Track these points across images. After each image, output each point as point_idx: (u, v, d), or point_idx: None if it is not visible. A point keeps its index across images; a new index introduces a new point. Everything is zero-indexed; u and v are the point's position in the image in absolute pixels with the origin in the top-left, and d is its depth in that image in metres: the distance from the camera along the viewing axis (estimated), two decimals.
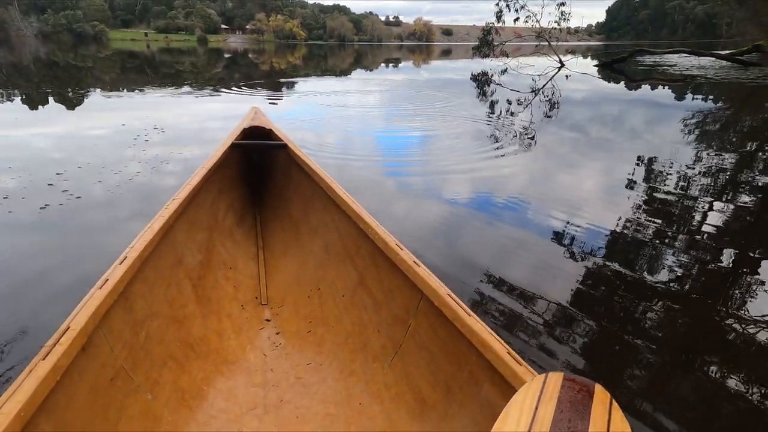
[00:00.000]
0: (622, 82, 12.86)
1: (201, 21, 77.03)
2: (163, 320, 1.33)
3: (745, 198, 3.39)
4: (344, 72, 17.91)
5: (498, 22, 17.51)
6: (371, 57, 33.48)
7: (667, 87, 11.26)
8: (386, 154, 4.62)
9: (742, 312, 1.96)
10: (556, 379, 0.84)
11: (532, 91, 10.10)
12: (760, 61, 14.90)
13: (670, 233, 2.74)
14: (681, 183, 3.69)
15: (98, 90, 9.00)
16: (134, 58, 23.57)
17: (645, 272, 2.27)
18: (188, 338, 1.38)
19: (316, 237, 1.94)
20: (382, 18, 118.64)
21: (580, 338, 1.75)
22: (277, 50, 41.96)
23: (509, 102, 8.35)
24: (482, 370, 1.04)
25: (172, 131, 5.18)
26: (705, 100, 9.31)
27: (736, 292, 2.13)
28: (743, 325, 1.86)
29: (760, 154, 4.92)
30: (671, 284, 2.16)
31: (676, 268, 2.30)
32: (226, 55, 29.96)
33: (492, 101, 8.73)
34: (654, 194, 3.41)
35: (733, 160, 4.54)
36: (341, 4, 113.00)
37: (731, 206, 3.23)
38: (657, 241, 2.61)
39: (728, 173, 4.07)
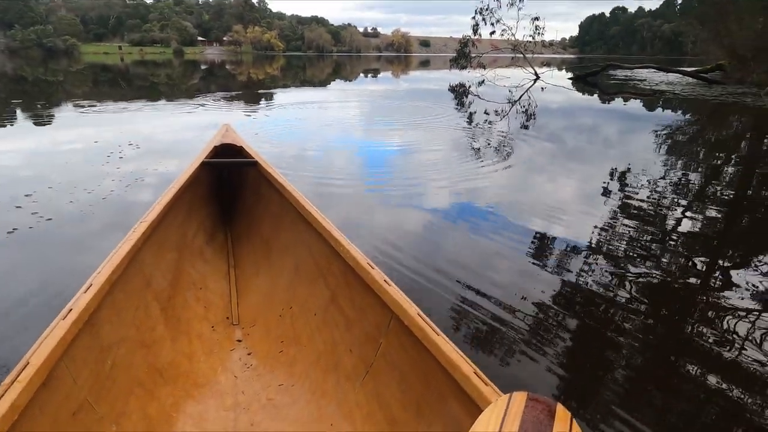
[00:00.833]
0: (596, 95, 13.23)
1: (177, 33, 76.22)
2: (131, 345, 1.29)
3: (712, 206, 3.52)
4: (323, 82, 17.96)
5: (474, 34, 17.89)
6: (350, 68, 33.69)
7: (638, 100, 11.64)
8: (367, 172, 4.63)
9: (711, 324, 2.02)
10: (520, 398, 0.85)
11: (509, 102, 10.31)
12: (723, 79, 15.59)
13: (642, 239, 2.81)
14: (653, 192, 3.81)
15: (70, 104, 8.79)
16: (107, 71, 23.16)
17: (618, 282, 2.33)
18: (157, 362, 1.35)
19: (288, 255, 1.92)
20: (361, 29, 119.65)
21: (545, 353, 1.78)
22: (255, 61, 41.84)
23: (487, 113, 8.49)
24: (450, 390, 1.04)
25: (147, 146, 5.09)
26: (675, 113, 9.66)
27: (704, 301, 2.20)
28: (709, 338, 1.92)
29: (726, 165, 5.12)
30: (641, 291, 2.22)
31: (646, 274, 2.36)
32: (203, 67, 29.71)
33: (471, 112, 8.87)
34: (629, 201, 3.51)
35: (701, 170, 4.71)
36: (319, 16, 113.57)
37: (700, 215, 3.34)
38: (631, 247, 2.68)
39: (696, 183, 4.22)
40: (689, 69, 18.13)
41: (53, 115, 7.34)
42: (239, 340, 1.63)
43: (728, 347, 1.83)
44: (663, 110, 10.04)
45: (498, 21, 17.65)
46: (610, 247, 2.77)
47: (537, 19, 17.89)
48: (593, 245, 2.78)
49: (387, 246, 2.66)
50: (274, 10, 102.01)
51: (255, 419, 1.29)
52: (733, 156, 5.65)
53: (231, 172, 2.43)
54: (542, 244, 2.79)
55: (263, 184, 2.26)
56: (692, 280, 2.39)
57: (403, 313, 1.22)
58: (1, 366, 1.58)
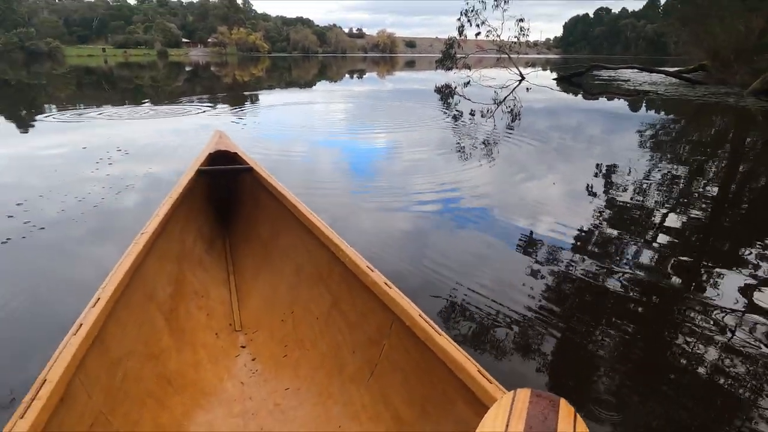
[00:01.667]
0: (581, 95, 13.43)
1: (161, 35, 75.35)
2: (139, 358, 1.31)
3: (696, 205, 3.62)
4: (308, 84, 17.93)
5: (460, 35, 18.05)
6: (336, 68, 33.66)
7: (623, 100, 11.84)
8: (354, 174, 4.66)
9: (697, 319, 2.09)
10: (524, 395, 0.89)
11: (495, 103, 10.42)
12: (705, 80, 15.93)
13: (625, 238, 2.89)
14: (638, 191, 3.90)
15: (54, 109, 8.66)
16: (91, 74, 22.82)
17: (606, 275, 2.39)
18: (165, 372, 1.37)
19: (287, 260, 1.94)
20: (346, 30, 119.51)
21: (540, 349, 1.83)
22: (241, 63, 41.56)
23: (473, 113, 8.58)
24: (455, 389, 1.08)
25: (135, 152, 5.05)
26: (658, 113, 9.86)
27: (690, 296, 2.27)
28: (694, 335, 1.99)
29: (709, 163, 5.25)
30: (627, 289, 2.29)
31: (629, 270, 2.43)
32: (188, 69, 29.44)
33: (457, 112, 8.95)
34: (613, 199, 3.59)
35: (685, 169, 4.83)
36: (305, 17, 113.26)
37: (684, 214, 3.43)
38: (615, 244, 2.75)
39: (681, 181, 4.33)
40: (672, 69, 18.48)
41: (38, 120, 7.23)
42: (243, 346, 1.65)
43: (711, 342, 1.90)
44: (647, 110, 10.24)
45: (483, 22, 17.86)
46: (594, 242, 2.84)
47: (522, 20, 18.17)
48: (578, 241, 2.85)
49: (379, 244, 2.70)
50: (259, 11, 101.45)
51: (264, 424, 1.31)
52: (717, 155, 5.80)
53: (226, 179, 2.44)
54: (527, 241, 2.84)
55: (260, 190, 2.28)
56: (675, 276, 2.47)
57: (405, 315, 1.25)
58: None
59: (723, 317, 2.07)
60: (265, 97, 11.70)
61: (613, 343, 1.89)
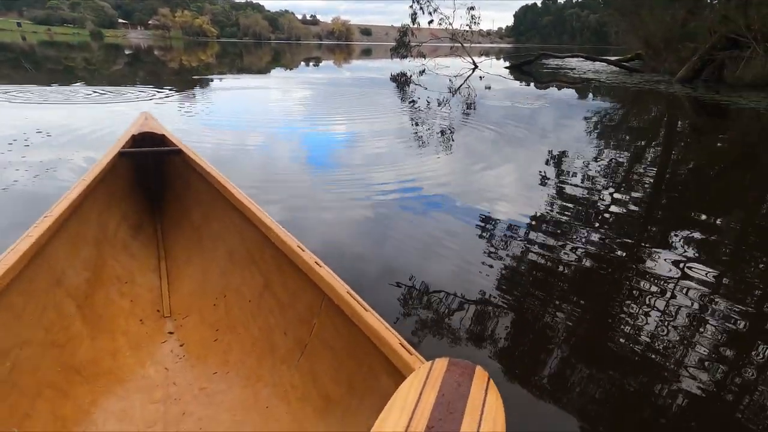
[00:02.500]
0: (532, 83, 13.79)
1: (92, 13, 70.09)
2: (38, 347, 1.21)
3: (638, 187, 3.80)
4: (262, 71, 17.41)
5: (413, 23, 18.03)
6: (290, 56, 32.86)
7: (570, 89, 12.28)
8: (313, 162, 4.56)
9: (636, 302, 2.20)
10: (441, 364, 0.89)
11: (450, 91, 10.52)
12: (641, 68, 16.87)
13: (575, 217, 2.99)
14: (586, 174, 4.05)
15: None
16: (6, 50, 20.94)
17: (554, 256, 2.47)
18: (72, 362, 1.28)
19: (219, 243, 1.88)
20: (299, 16, 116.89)
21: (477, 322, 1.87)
22: (187, 47, 39.72)
23: (429, 101, 8.62)
24: (379, 363, 1.07)
25: (60, 135, 4.66)
26: (601, 100, 10.29)
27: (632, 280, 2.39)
28: (635, 315, 2.09)
29: (649, 146, 5.54)
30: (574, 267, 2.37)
31: (576, 250, 2.53)
32: (128, 52, 27.81)
33: (414, 100, 8.97)
34: (562, 183, 3.71)
35: (628, 152, 5.07)
36: (254, 2, 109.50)
37: (627, 195, 3.60)
38: (566, 224, 2.85)
39: (623, 164, 4.54)
40: (613, 58, 19.36)
41: None
42: (171, 332, 1.58)
43: (650, 318, 2.00)
44: (594, 98, 10.66)
45: (435, 10, 17.92)
46: (544, 223, 2.92)
47: (473, 8, 18.38)
48: (531, 220, 2.93)
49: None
50: None
51: (187, 409, 1.26)
52: (652, 139, 6.12)
53: (156, 162, 2.31)
54: (485, 224, 2.89)
55: (190, 173, 2.18)
56: (618, 253, 2.58)
57: (333, 293, 1.23)
58: None
59: (661, 285, 2.19)
60: (217, 84, 11.23)
61: (562, 317, 1.95)
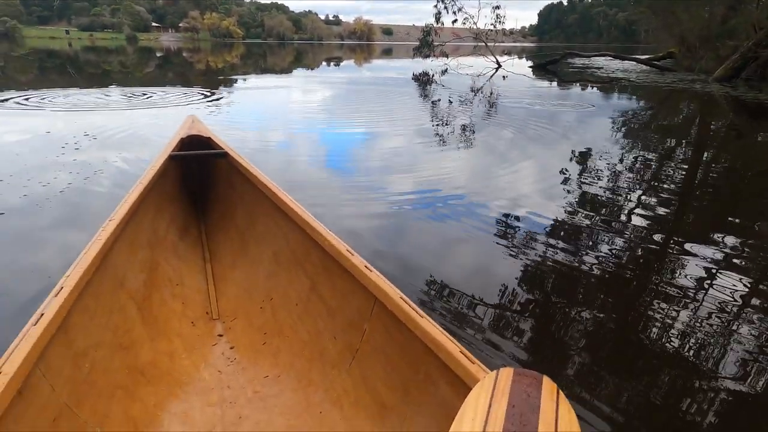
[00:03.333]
0: (555, 83, 13.57)
1: (129, 18, 72.65)
2: (108, 349, 1.26)
3: (667, 186, 3.71)
4: (284, 71, 17.60)
5: (437, 23, 17.96)
6: (312, 56, 33.14)
7: (596, 87, 12.03)
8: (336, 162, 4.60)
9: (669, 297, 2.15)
10: (506, 374, 0.89)
11: (472, 91, 10.44)
12: (674, 67, 16.39)
13: (603, 219, 2.94)
14: (611, 174, 3.97)
15: (13, 92, 8.26)
16: (55, 57, 21.86)
17: (586, 258, 2.43)
18: (137, 363, 1.32)
19: (265, 246, 1.90)
20: (322, 17, 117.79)
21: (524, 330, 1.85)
22: (214, 49, 40.49)
23: (451, 101, 8.57)
24: (437, 370, 1.07)
25: (104, 137, 4.85)
26: (630, 100, 10.05)
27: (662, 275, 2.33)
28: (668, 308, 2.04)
29: (679, 147, 5.39)
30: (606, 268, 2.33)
31: (610, 253, 2.48)
32: (159, 54, 28.51)
33: (437, 100, 8.93)
34: (586, 184, 3.65)
35: (657, 153, 4.95)
36: (279, 3, 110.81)
37: (656, 195, 3.51)
38: (593, 227, 2.80)
39: (653, 164, 4.43)
40: (643, 57, 18.87)
41: None
42: (220, 335, 1.61)
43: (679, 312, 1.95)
44: (619, 97, 10.43)
45: (460, 9, 17.82)
46: (570, 225, 2.88)
47: (498, 7, 18.18)
48: (555, 224, 2.89)
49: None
50: None
51: (243, 413, 1.29)
52: (684, 140, 5.95)
53: (200, 165, 2.36)
54: (506, 224, 2.87)
55: (235, 175, 2.22)
56: (648, 258, 2.52)
57: (385, 298, 1.23)
58: None
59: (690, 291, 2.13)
60: (241, 84, 11.43)
61: (589, 319, 1.92)
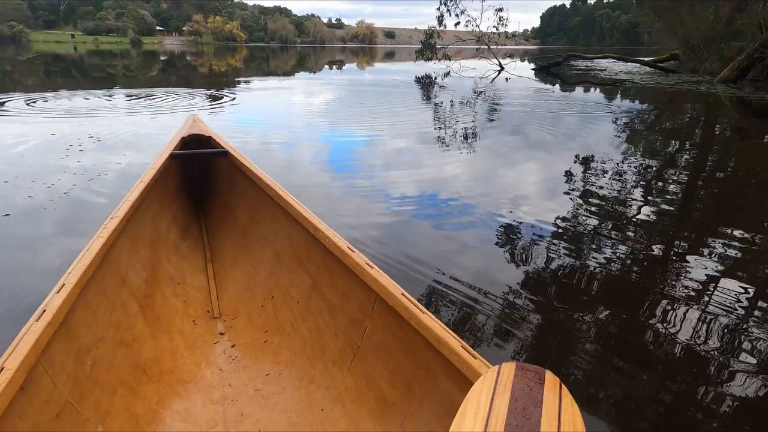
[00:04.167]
0: (558, 85, 13.55)
1: (134, 22, 73.15)
2: (111, 345, 1.26)
3: (671, 188, 3.69)
4: (287, 74, 17.65)
5: (440, 25, 17.98)
6: (314, 59, 33.22)
7: (599, 89, 12.00)
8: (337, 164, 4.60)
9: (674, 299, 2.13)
10: (509, 369, 0.88)
11: (475, 93, 10.44)
12: (678, 68, 16.33)
13: (606, 221, 2.92)
14: (614, 176, 3.96)
15: (19, 95, 8.31)
16: (60, 61, 22.02)
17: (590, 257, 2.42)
18: (139, 360, 1.32)
19: (266, 245, 1.90)
20: (324, 20, 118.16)
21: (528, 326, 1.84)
22: (217, 52, 40.69)
23: (453, 103, 8.57)
24: (439, 366, 1.06)
25: (108, 139, 4.88)
26: (633, 102, 10.02)
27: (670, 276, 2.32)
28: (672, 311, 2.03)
29: (682, 150, 5.37)
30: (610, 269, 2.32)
31: (614, 255, 2.47)
32: (162, 58, 28.66)
33: (439, 102, 8.93)
34: (590, 186, 3.63)
35: (660, 157, 4.92)
36: (282, 6, 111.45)
37: (660, 197, 3.50)
38: (591, 230, 2.79)
39: (655, 168, 4.41)
40: (646, 59, 18.82)
41: (1, 105, 6.92)
42: (222, 333, 1.61)
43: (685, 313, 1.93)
44: (623, 99, 10.40)
45: (462, 12, 17.84)
46: (573, 227, 2.87)
47: (501, 10, 18.21)
48: (558, 227, 2.87)
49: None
50: (235, 0, 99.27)
51: (244, 410, 1.28)
52: (688, 141, 5.93)
53: (202, 164, 2.37)
54: (508, 227, 2.86)
55: (236, 174, 2.22)
56: (651, 260, 2.51)
57: (387, 294, 1.23)
58: None
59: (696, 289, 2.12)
60: (245, 86, 11.47)
61: (593, 319, 1.91)
